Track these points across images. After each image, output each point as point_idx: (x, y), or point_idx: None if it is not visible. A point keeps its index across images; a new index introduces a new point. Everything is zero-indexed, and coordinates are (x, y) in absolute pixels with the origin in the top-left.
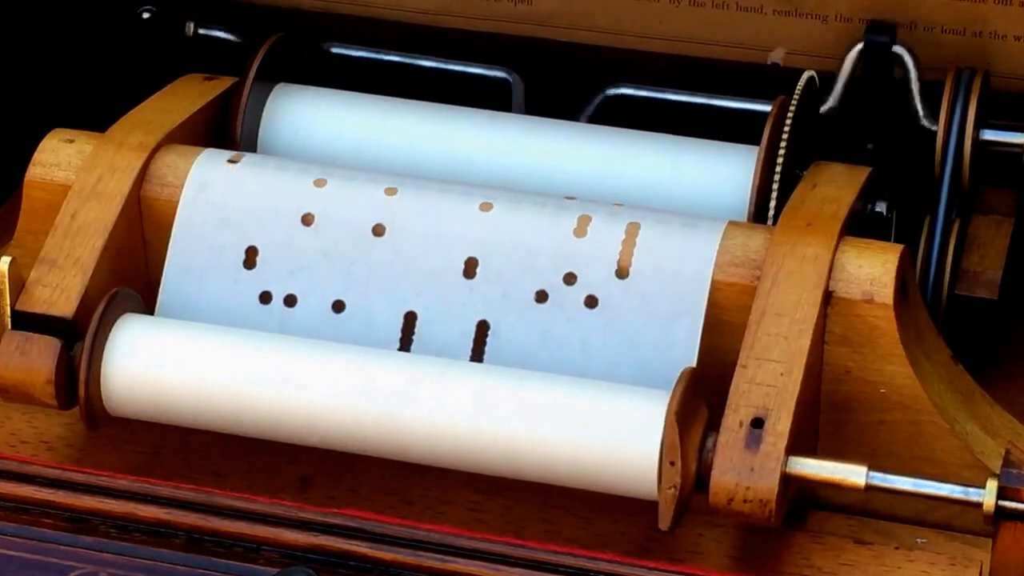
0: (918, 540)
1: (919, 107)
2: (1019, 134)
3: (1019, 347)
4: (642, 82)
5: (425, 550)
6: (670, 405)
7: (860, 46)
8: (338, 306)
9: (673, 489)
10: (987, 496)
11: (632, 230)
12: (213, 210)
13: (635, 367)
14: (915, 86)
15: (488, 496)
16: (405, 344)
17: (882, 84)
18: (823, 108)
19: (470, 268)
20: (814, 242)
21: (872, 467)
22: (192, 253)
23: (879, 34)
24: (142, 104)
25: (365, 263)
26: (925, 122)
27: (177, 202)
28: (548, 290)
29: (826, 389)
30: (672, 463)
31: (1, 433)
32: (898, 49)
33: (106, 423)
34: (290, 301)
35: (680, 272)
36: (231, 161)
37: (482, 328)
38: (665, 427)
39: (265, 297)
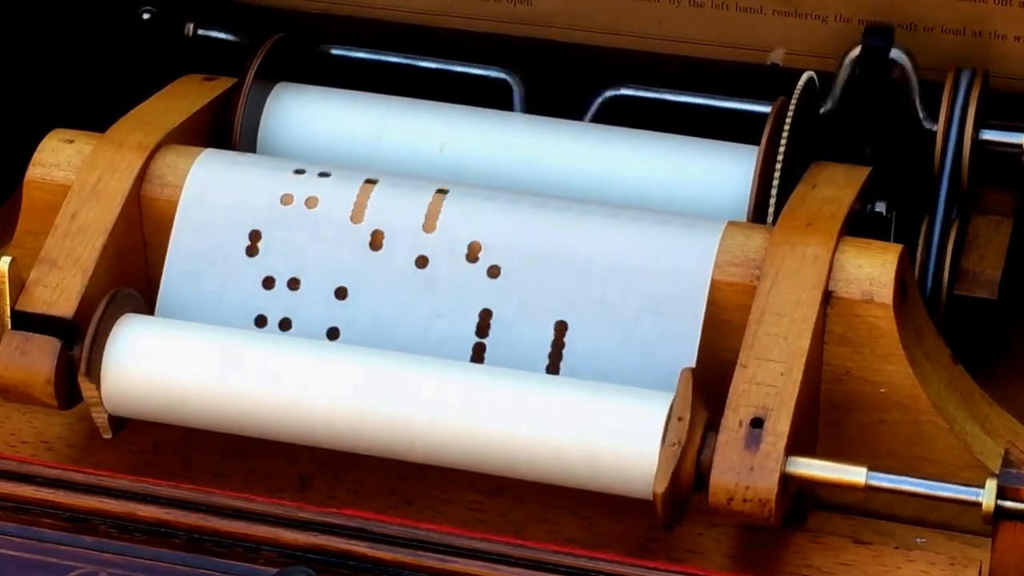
0: (917, 540)
1: (920, 110)
2: (1018, 134)
3: (1019, 347)
4: (642, 82)
5: (425, 550)
6: (683, 375)
7: (857, 50)
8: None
9: (675, 446)
10: (986, 496)
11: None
12: (213, 210)
13: (635, 367)
14: (915, 89)
15: (488, 496)
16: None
17: (880, 87)
18: (821, 110)
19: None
20: (814, 242)
21: (872, 467)
22: (192, 253)
23: (877, 38)
24: (142, 104)
25: (365, 261)
26: (926, 124)
27: (177, 202)
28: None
29: (826, 389)
30: (680, 418)
31: (1, 433)
32: (895, 54)
33: (114, 428)
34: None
35: (680, 272)
36: (231, 162)
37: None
38: (679, 384)
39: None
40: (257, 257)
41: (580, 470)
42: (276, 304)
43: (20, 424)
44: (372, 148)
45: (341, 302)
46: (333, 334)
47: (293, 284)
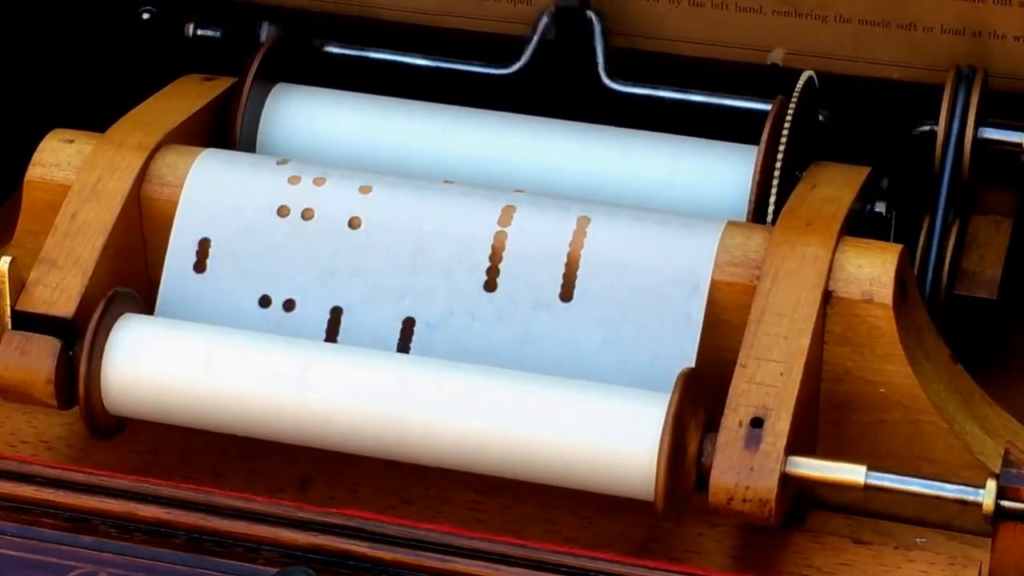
0: (917, 540)
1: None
2: (1018, 133)
3: (1019, 347)
4: (642, 82)
5: (425, 550)
6: (669, 407)
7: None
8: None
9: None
10: (986, 496)
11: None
12: (212, 210)
13: (634, 367)
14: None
15: (488, 496)
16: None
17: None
18: (512, 69)
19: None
20: (813, 242)
21: (871, 467)
22: (192, 253)
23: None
24: (142, 104)
25: (359, 260)
26: (609, 83)
27: (177, 202)
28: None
29: (826, 389)
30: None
31: (1, 433)
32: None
33: (112, 429)
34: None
35: (679, 272)
36: (231, 162)
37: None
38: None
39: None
40: (256, 257)
41: (578, 470)
42: (299, 198)
43: (20, 424)
44: (371, 148)
45: (364, 196)
46: (354, 223)
47: (318, 181)
